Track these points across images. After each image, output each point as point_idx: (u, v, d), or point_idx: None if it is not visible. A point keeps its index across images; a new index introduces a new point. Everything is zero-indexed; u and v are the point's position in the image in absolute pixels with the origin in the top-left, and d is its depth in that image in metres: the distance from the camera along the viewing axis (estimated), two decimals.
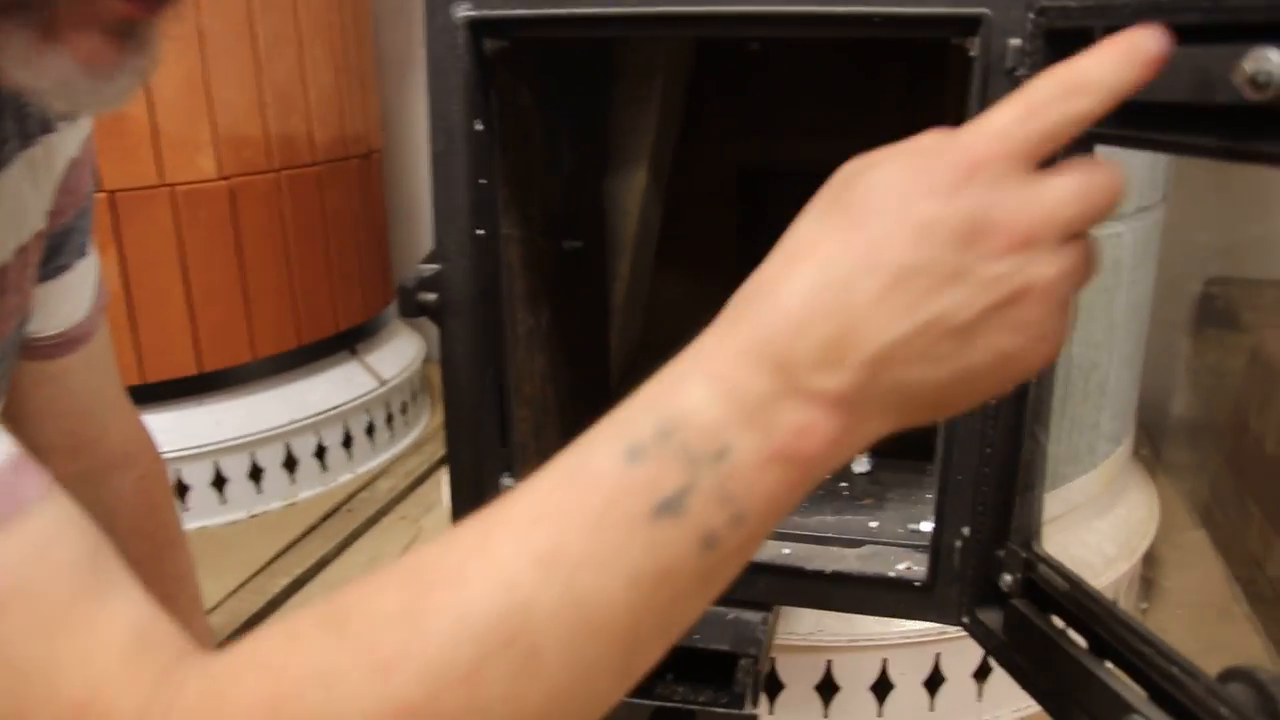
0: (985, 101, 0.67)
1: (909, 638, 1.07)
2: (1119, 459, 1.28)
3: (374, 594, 0.37)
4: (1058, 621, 0.67)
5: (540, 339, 0.91)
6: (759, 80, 1.57)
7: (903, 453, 1.00)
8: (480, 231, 0.78)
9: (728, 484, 0.37)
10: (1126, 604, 1.28)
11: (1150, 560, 1.42)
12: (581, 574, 0.35)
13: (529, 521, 0.37)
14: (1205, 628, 1.34)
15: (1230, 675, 0.56)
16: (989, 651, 0.73)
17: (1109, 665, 0.62)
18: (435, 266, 0.79)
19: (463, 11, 0.74)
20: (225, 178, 1.57)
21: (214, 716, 0.35)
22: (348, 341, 1.90)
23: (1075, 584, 0.64)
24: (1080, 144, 0.60)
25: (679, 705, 0.79)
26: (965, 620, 0.75)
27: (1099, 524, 1.23)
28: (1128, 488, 1.34)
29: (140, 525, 0.88)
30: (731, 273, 1.36)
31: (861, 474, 0.96)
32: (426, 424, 2.08)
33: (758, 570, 0.81)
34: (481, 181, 0.78)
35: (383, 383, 1.90)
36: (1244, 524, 1.48)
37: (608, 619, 0.36)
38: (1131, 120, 0.56)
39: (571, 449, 0.39)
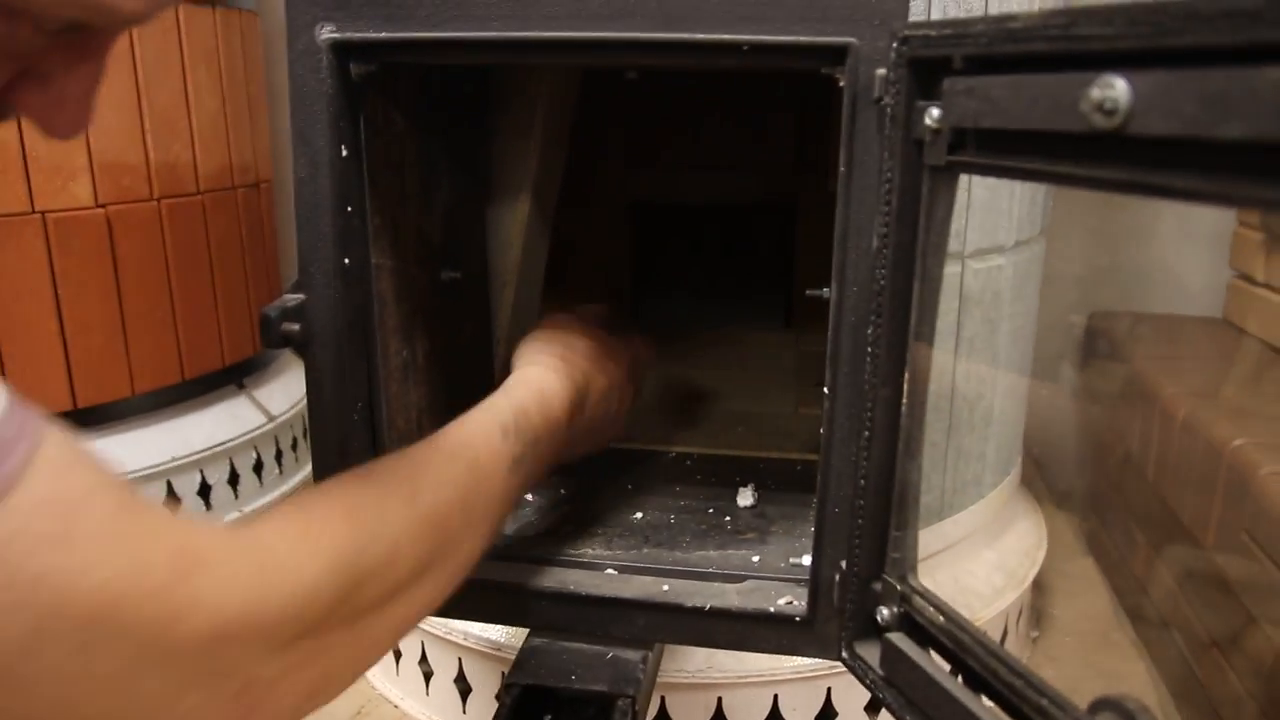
0: (854, 132, 0.66)
1: (800, 673, 1.06)
2: (1006, 489, 1.30)
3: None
4: (934, 655, 0.66)
5: (416, 372, 0.88)
6: (651, 113, 1.57)
7: (788, 486, 1.00)
8: (347, 261, 0.75)
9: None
10: (1017, 633, 1.29)
11: (1039, 588, 1.44)
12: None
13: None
14: (1093, 654, 1.36)
15: (1099, 706, 0.55)
16: (867, 686, 0.72)
17: (984, 699, 0.61)
18: (300, 296, 0.75)
19: (326, 34, 0.71)
20: (101, 205, 1.51)
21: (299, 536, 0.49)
22: (235, 376, 1.83)
23: (950, 617, 0.64)
24: (946, 170, 0.60)
25: None
26: (844, 655, 0.74)
27: (988, 554, 1.24)
28: (1016, 517, 1.35)
29: None
30: (626, 304, 1.35)
31: (746, 508, 0.95)
32: None
33: (636, 607, 0.79)
34: (349, 209, 0.75)
35: (271, 418, 1.84)
36: (1129, 551, 1.51)
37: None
38: (991, 148, 0.56)
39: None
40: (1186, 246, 1.87)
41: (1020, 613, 1.29)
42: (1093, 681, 1.29)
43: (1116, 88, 0.44)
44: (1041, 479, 1.83)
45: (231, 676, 0.44)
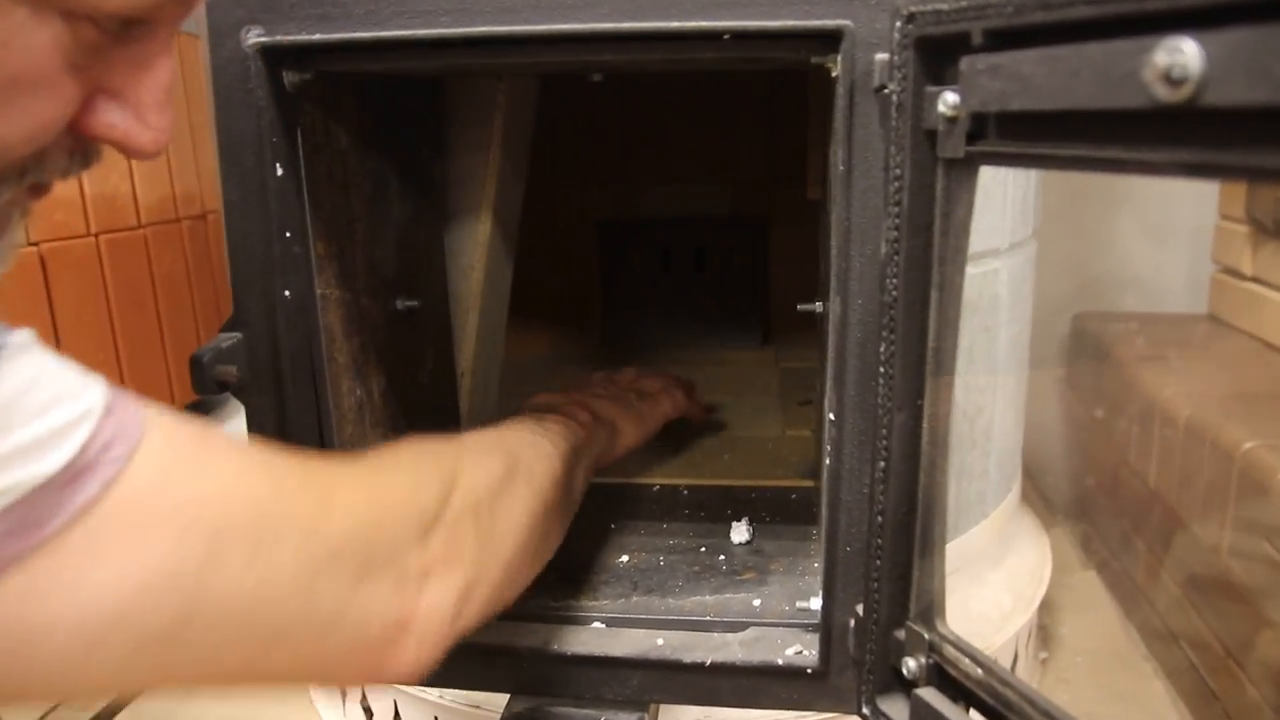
0: (853, 126, 0.59)
1: None
2: (1008, 506, 1.23)
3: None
4: (971, 712, 0.58)
5: (373, 413, 0.80)
6: (613, 124, 1.50)
7: (785, 517, 0.92)
8: (288, 293, 0.67)
9: None
10: (1027, 656, 1.22)
11: (1044, 606, 1.37)
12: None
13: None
14: (1107, 674, 1.29)
15: None
16: None
17: None
18: (235, 335, 0.67)
19: (254, 38, 0.63)
20: (34, 244, 1.41)
21: None
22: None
23: (988, 669, 0.56)
24: (965, 163, 0.53)
25: None
26: (865, 711, 0.66)
27: (993, 575, 1.17)
28: (1018, 534, 1.29)
29: None
30: (594, 325, 1.26)
31: (741, 544, 0.87)
32: None
33: (628, 666, 0.71)
34: (287, 235, 0.67)
35: None
36: (1131, 562, 1.44)
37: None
38: (1020, 134, 0.49)
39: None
40: (1163, 242, 1.82)
41: (1029, 634, 1.22)
42: (1110, 704, 1.22)
43: (1186, 52, 0.37)
44: (1039, 492, 1.77)
45: (386, 567, 0.49)
